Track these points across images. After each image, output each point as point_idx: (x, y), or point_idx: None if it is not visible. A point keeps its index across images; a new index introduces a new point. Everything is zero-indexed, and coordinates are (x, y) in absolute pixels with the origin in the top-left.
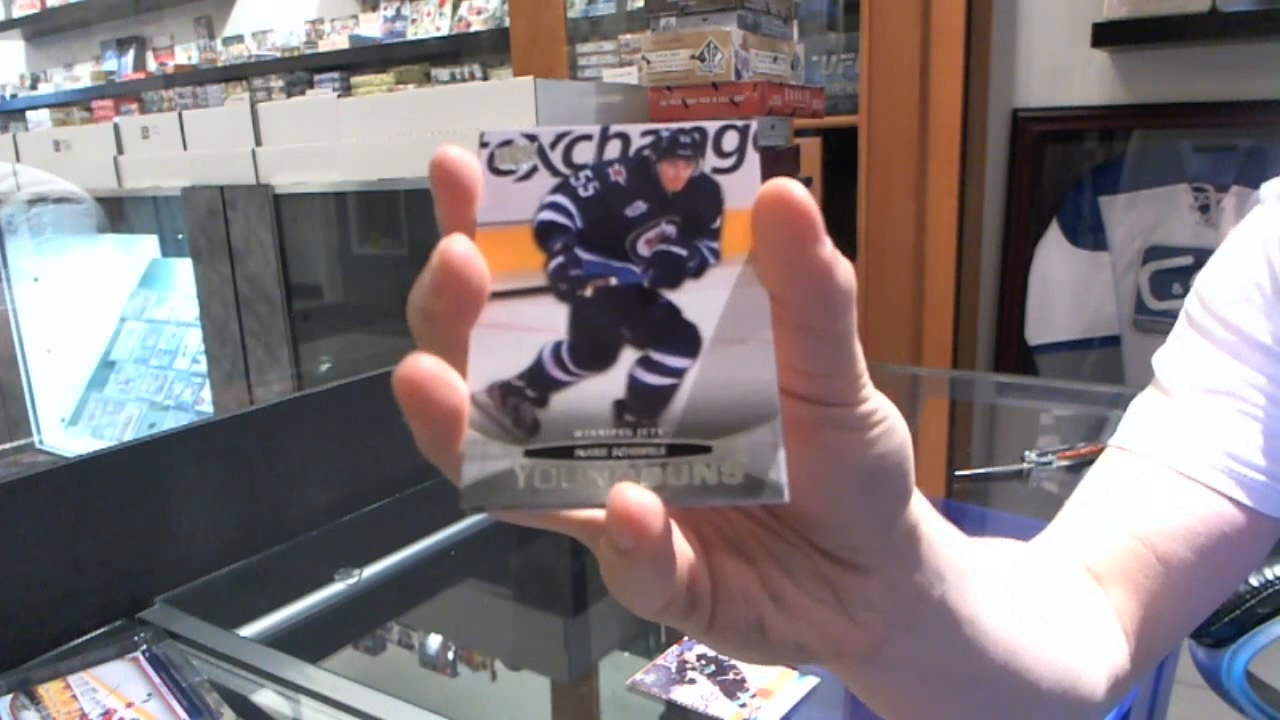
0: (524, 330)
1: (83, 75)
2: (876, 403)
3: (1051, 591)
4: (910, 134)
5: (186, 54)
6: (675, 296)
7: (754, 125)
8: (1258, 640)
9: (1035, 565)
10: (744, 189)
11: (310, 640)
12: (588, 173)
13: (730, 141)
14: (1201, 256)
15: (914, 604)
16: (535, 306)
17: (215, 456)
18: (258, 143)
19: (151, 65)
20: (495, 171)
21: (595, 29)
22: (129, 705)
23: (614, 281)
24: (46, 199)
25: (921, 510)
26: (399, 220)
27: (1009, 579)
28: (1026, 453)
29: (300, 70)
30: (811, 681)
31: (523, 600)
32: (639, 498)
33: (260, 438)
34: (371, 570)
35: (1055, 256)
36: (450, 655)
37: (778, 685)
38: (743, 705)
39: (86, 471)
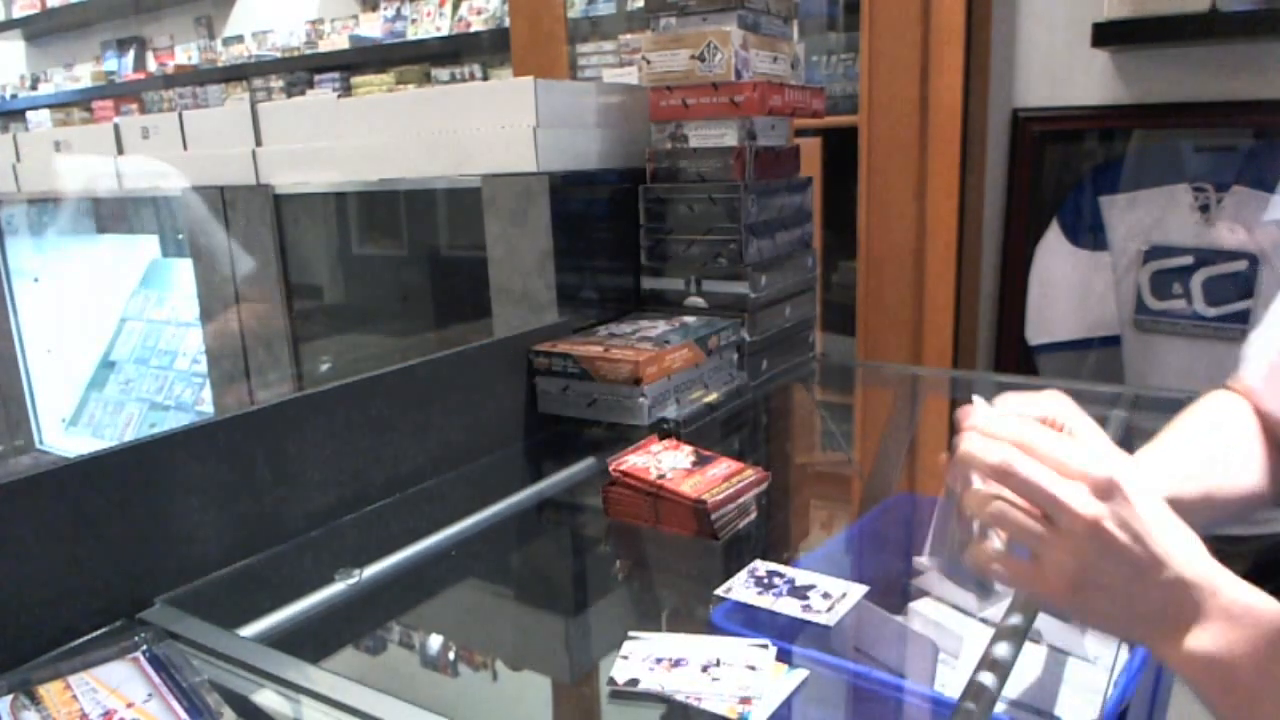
0: None
1: (83, 75)
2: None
3: (1213, 440)
4: (910, 134)
5: (186, 54)
6: None
7: None
8: None
9: (1201, 427)
10: None
11: (310, 640)
12: None
13: None
14: (1202, 256)
15: None
16: None
17: (215, 456)
18: (258, 143)
19: (151, 65)
20: None
21: (595, 29)
22: (129, 705)
23: None
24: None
25: None
26: (399, 220)
27: (1188, 458)
28: None
29: (300, 70)
30: (801, 674)
31: (523, 600)
32: None
33: (260, 438)
34: (371, 570)
35: (1055, 256)
36: (450, 655)
37: (770, 681)
38: (740, 701)
39: (86, 471)
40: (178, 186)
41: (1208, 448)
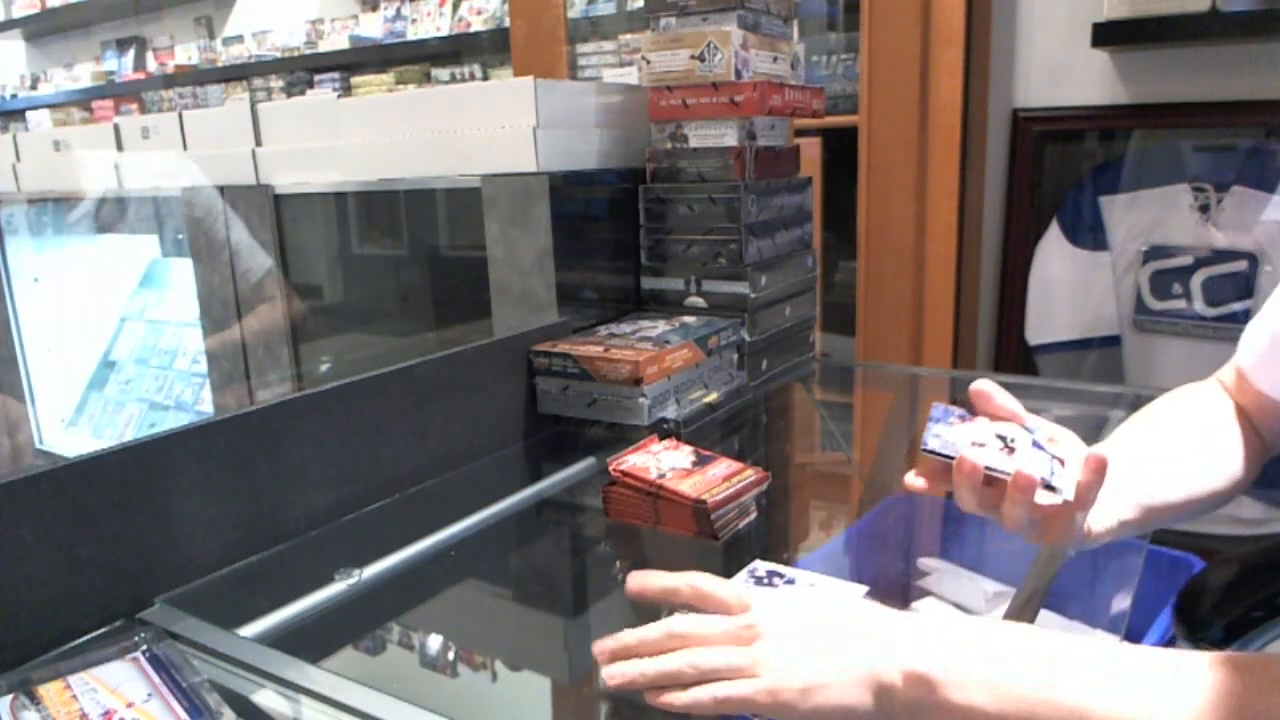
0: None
1: (83, 75)
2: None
3: (1194, 436)
4: (910, 134)
5: (186, 54)
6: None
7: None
8: (1253, 644)
9: (1177, 426)
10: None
11: (310, 640)
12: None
13: None
14: (1202, 256)
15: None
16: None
17: (215, 456)
18: (258, 143)
19: (151, 65)
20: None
21: (595, 29)
22: (129, 705)
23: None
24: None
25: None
26: (399, 220)
27: (1165, 459)
28: None
29: (300, 70)
30: None
31: (523, 600)
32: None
33: (260, 438)
34: (371, 570)
35: (1055, 256)
36: (450, 655)
37: None
38: None
39: (86, 471)
40: (200, 183)
41: (1174, 452)
